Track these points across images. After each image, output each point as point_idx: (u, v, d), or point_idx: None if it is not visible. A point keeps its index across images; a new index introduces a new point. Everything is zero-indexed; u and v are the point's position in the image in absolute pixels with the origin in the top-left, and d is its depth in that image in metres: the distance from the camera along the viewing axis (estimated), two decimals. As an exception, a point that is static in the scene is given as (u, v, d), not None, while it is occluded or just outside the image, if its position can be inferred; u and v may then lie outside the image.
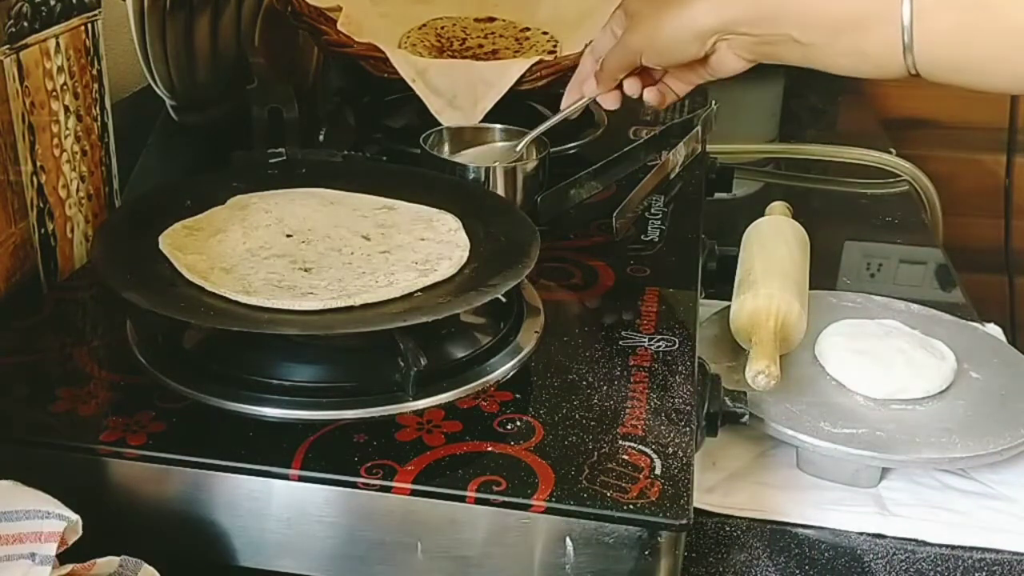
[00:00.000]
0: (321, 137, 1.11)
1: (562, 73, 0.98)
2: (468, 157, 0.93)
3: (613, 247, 0.87)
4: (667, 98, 0.84)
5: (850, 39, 0.67)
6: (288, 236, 0.74)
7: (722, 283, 0.90)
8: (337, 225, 0.76)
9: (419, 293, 0.67)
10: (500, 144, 0.94)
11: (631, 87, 0.83)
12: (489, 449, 0.60)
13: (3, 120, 0.71)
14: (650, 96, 0.83)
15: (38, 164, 0.75)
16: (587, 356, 0.70)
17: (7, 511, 0.53)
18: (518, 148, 0.91)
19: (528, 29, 1.20)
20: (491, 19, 1.23)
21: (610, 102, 0.84)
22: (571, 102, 0.88)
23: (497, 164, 0.91)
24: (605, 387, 0.67)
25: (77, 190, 0.81)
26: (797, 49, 0.70)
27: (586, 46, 0.89)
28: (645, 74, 0.82)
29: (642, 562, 0.57)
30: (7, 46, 0.71)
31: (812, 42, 0.69)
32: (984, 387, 0.81)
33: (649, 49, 0.77)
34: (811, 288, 0.88)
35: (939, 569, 0.68)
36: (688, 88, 0.83)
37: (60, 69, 0.77)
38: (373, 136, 1.09)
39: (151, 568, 0.54)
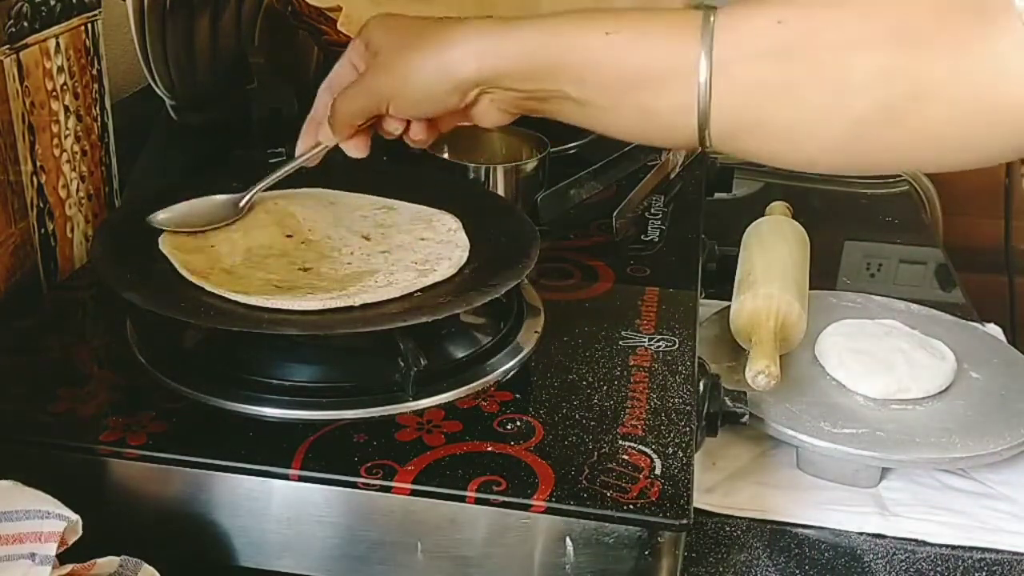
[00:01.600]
0: (321, 137, 1.11)
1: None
2: (174, 213, 0.73)
3: (613, 247, 0.87)
4: (429, 137, 0.68)
5: (634, 99, 0.57)
6: (288, 236, 0.74)
7: (722, 283, 0.90)
8: (337, 225, 0.76)
9: (419, 293, 0.67)
10: (218, 199, 0.75)
11: (364, 141, 0.68)
12: (489, 449, 0.60)
13: (3, 120, 0.71)
14: (415, 134, 0.67)
15: (38, 164, 0.75)
16: (587, 356, 0.70)
17: (7, 511, 0.53)
18: (241, 204, 0.74)
19: (528, 29, 1.19)
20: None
21: (355, 149, 0.68)
22: (306, 148, 0.71)
23: (497, 164, 0.91)
24: (605, 387, 0.67)
25: (77, 190, 0.81)
26: (572, 108, 0.60)
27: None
28: (391, 118, 0.66)
29: (642, 562, 0.57)
30: (7, 46, 0.71)
31: (590, 101, 0.58)
32: (984, 387, 0.81)
33: (399, 98, 0.63)
34: (811, 288, 0.88)
35: (939, 569, 0.68)
36: (442, 131, 0.68)
37: (60, 69, 0.77)
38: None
39: (151, 568, 0.54)
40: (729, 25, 0.55)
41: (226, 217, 0.73)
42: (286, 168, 0.73)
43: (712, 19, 0.55)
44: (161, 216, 0.72)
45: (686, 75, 0.55)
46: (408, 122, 0.66)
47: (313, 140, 0.70)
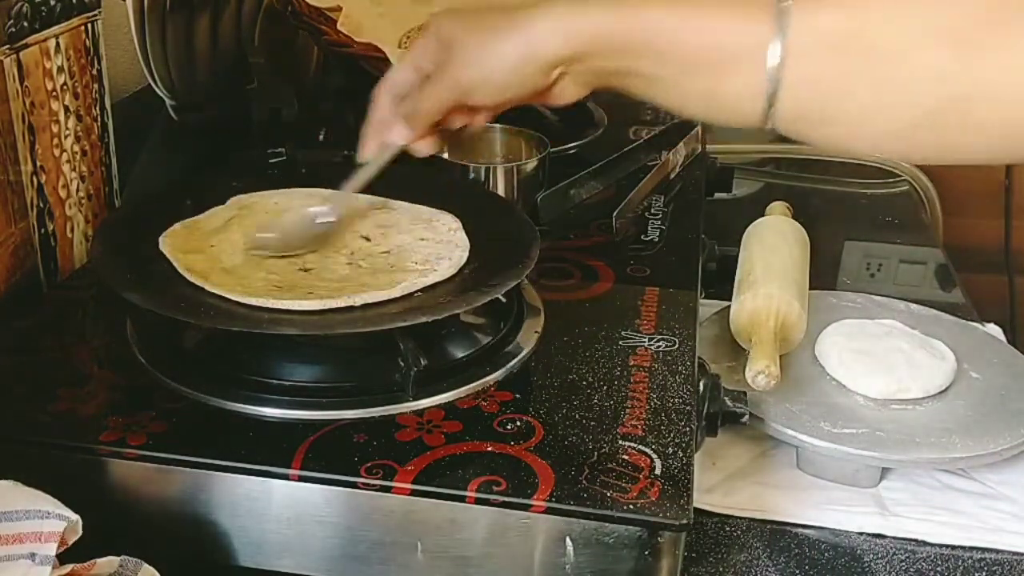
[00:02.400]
0: (321, 137, 1.11)
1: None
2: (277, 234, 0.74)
3: (613, 247, 0.87)
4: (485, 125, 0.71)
5: (705, 79, 0.59)
6: (288, 236, 0.74)
7: (722, 283, 0.90)
8: (337, 225, 0.76)
9: (419, 293, 0.67)
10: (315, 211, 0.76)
11: (435, 138, 0.69)
12: (489, 449, 0.60)
13: (3, 120, 0.71)
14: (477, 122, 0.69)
15: (38, 164, 0.75)
16: (587, 356, 0.70)
17: (7, 511, 0.53)
18: (332, 217, 0.75)
19: (528, 29, 1.19)
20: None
21: (427, 147, 0.69)
22: (373, 151, 0.71)
23: (497, 164, 0.91)
24: (605, 387, 0.67)
25: (77, 190, 0.81)
26: (646, 83, 0.61)
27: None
28: (459, 112, 0.68)
29: (642, 562, 0.57)
30: (7, 46, 0.71)
31: (663, 77, 0.60)
32: (984, 387, 0.81)
33: (485, 84, 0.64)
34: (811, 288, 0.88)
35: (939, 569, 0.68)
36: (497, 114, 0.69)
37: (60, 69, 0.77)
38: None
39: (151, 568, 0.54)
40: (801, 15, 0.56)
41: (320, 231, 0.74)
42: (362, 175, 0.72)
43: (786, 7, 0.56)
44: (261, 237, 0.73)
45: (757, 60, 0.56)
46: (473, 114, 0.68)
47: (378, 143, 0.70)
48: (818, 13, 0.56)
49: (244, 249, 0.72)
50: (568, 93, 0.64)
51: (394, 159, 0.71)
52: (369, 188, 0.81)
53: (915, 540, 0.70)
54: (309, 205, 0.76)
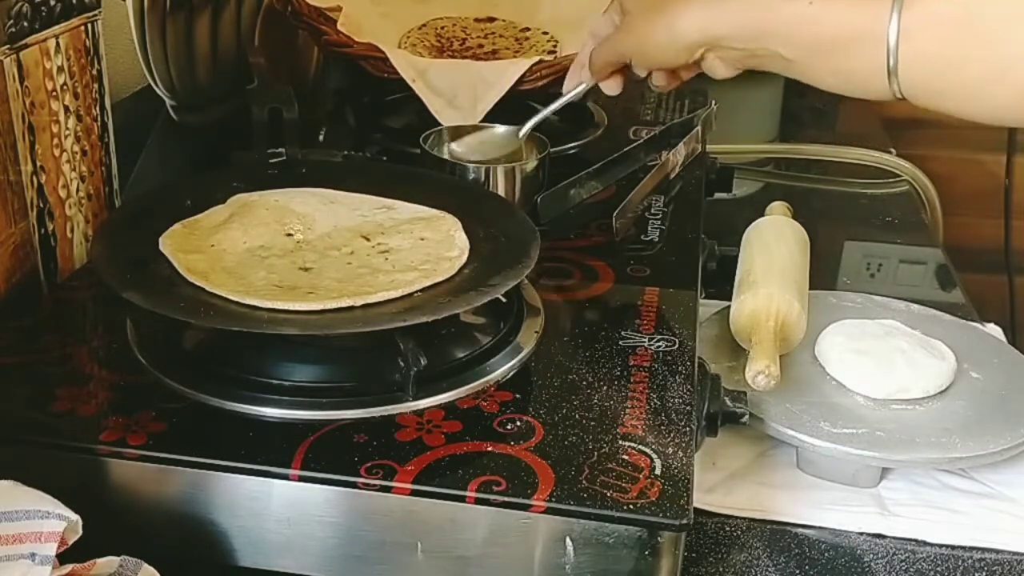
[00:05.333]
0: (321, 137, 1.11)
1: (562, 73, 0.98)
2: (468, 146, 0.93)
3: (613, 247, 0.87)
4: (669, 84, 0.82)
5: (835, 59, 0.67)
6: (288, 236, 0.74)
7: (722, 283, 0.90)
8: (337, 225, 0.76)
9: (419, 293, 0.67)
10: (500, 131, 0.94)
11: (618, 81, 0.84)
12: (489, 449, 0.60)
13: (3, 120, 0.71)
14: (656, 80, 0.82)
15: (38, 164, 0.75)
16: (587, 356, 0.70)
17: (7, 511, 0.53)
18: (520, 134, 0.91)
19: (528, 29, 1.20)
20: (491, 19, 1.23)
21: (611, 88, 0.84)
22: (572, 86, 0.88)
23: (497, 164, 0.91)
24: (605, 387, 0.67)
25: (77, 190, 0.81)
26: (783, 64, 0.70)
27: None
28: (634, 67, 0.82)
29: (642, 562, 0.57)
30: (7, 46, 0.71)
31: (798, 59, 0.69)
32: (984, 387, 0.81)
33: (637, 54, 0.78)
34: (811, 288, 0.88)
35: (939, 569, 0.68)
36: (681, 80, 0.82)
37: (60, 69, 0.77)
38: (373, 136, 1.09)
39: (151, 568, 0.54)
40: None
41: (511, 148, 0.91)
42: (558, 102, 0.89)
43: None
44: (457, 148, 0.91)
45: (878, 39, 0.64)
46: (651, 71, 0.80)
47: (577, 79, 0.87)
48: None
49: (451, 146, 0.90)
50: (718, 70, 0.75)
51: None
52: (369, 188, 0.82)
53: (915, 540, 0.70)
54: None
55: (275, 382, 0.64)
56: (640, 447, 0.61)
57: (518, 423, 0.63)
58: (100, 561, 0.53)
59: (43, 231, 0.77)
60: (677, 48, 0.74)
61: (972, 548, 0.70)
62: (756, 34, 0.70)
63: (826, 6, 0.66)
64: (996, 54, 0.61)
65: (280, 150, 0.90)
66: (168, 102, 1.08)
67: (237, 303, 0.65)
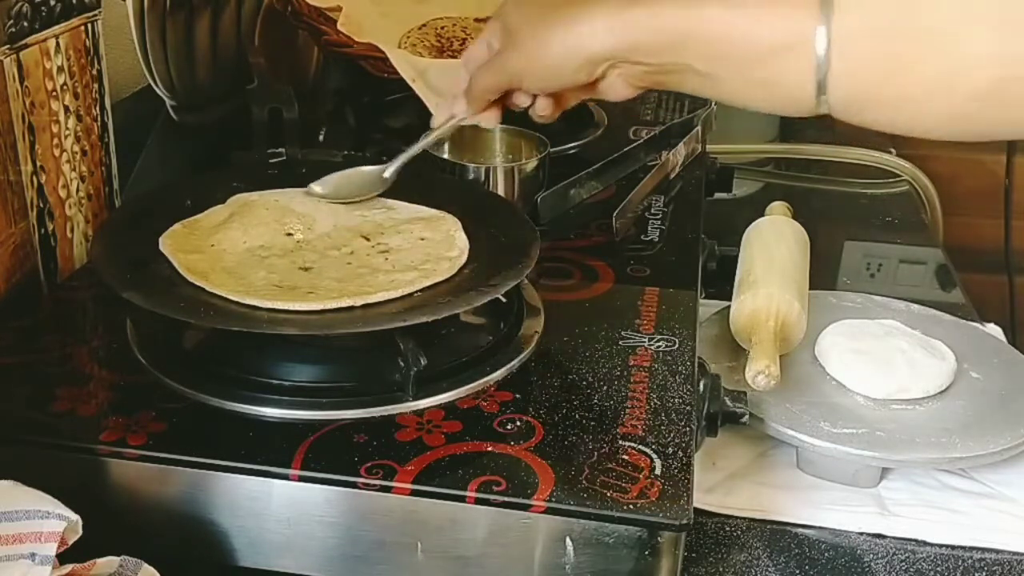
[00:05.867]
0: (321, 137, 1.11)
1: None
2: (330, 186, 0.79)
3: (613, 247, 0.87)
4: (554, 113, 0.73)
5: (756, 72, 0.60)
6: (288, 235, 0.74)
7: (722, 283, 0.90)
8: (337, 225, 0.76)
9: (419, 293, 0.67)
10: (367, 171, 0.79)
11: (496, 113, 0.73)
12: (489, 449, 0.60)
13: (3, 120, 0.71)
14: (540, 109, 0.72)
15: (38, 164, 0.75)
16: (587, 356, 0.70)
17: (7, 511, 0.53)
18: (386, 175, 0.79)
19: (528, 29, 1.19)
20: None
21: (489, 120, 0.73)
22: (443, 119, 0.75)
23: (497, 164, 0.91)
24: (605, 387, 0.67)
25: (77, 190, 0.81)
26: (697, 79, 0.62)
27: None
28: (521, 92, 0.71)
29: (642, 562, 0.57)
30: (7, 46, 0.71)
31: (715, 73, 0.61)
32: (984, 387, 0.81)
33: (531, 74, 0.67)
34: (811, 288, 0.88)
35: (939, 569, 0.68)
36: (566, 106, 0.73)
37: (60, 69, 0.77)
38: (373, 136, 1.09)
39: (151, 568, 0.54)
40: (848, 1, 0.56)
41: (374, 189, 0.79)
42: (425, 140, 0.77)
43: None
44: (318, 188, 0.78)
45: (805, 49, 0.57)
46: (535, 97, 0.70)
47: (448, 113, 0.75)
48: (863, 0, 0.57)
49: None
50: (617, 90, 0.66)
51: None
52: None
53: (915, 540, 0.70)
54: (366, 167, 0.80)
55: (275, 382, 0.64)
56: (640, 447, 0.61)
57: (518, 423, 0.63)
58: (100, 561, 0.53)
59: (43, 231, 0.77)
60: (577, 64, 0.64)
61: (972, 548, 0.70)
62: (667, 46, 0.61)
63: (748, 13, 0.59)
64: (937, 61, 0.55)
65: (280, 150, 0.90)
66: (168, 102, 1.08)
67: (237, 303, 0.65)
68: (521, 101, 0.71)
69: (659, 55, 0.62)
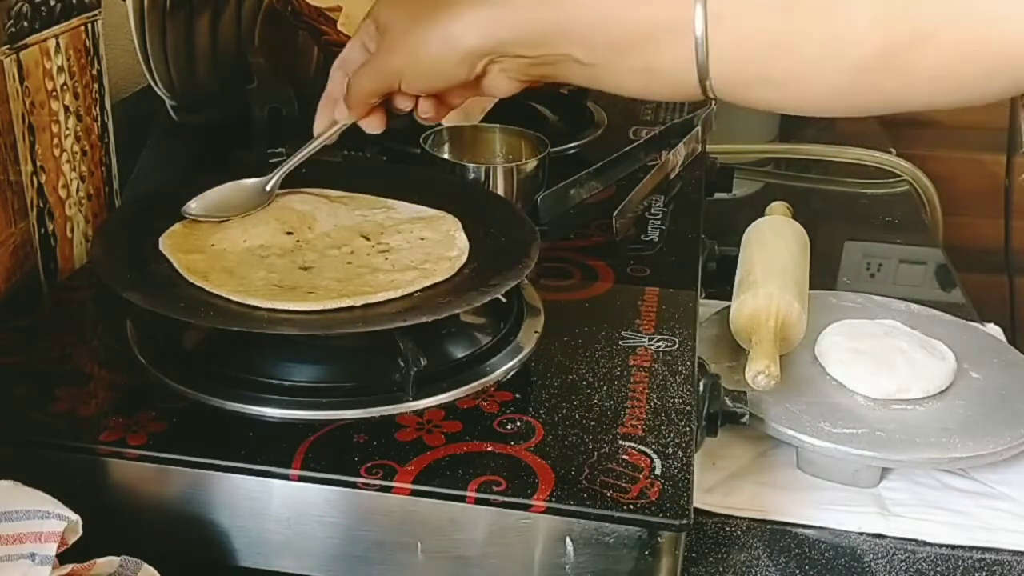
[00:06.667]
0: (321, 137, 1.11)
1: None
2: (209, 202, 0.75)
3: (613, 247, 0.87)
4: (439, 114, 0.70)
5: (638, 57, 0.58)
6: (288, 235, 0.74)
7: (722, 283, 0.90)
8: (337, 225, 0.76)
9: (419, 293, 0.67)
10: (248, 184, 0.76)
11: (380, 117, 0.70)
12: (489, 449, 0.60)
13: (3, 120, 0.71)
14: (424, 111, 0.69)
15: (38, 164, 0.75)
16: (587, 356, 0.70)
17: (7, 511, 0.53)
18: (268, 187, 0.76)
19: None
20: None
21: (373, 125, 0.71)
22: (325, 126, 0.73)
23: (497, 164, 0.91)
24: (605, 387, 0.67)
25: (77, 190, 0.81)
26: (579, 69, 0.61)
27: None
28: (402, 94, 0.68)
29: (642, 562, 0.57)
30: (7, 46, 0.71)
31: (596, 62, 0.60)
32: (984, 387, 0.81)
33: (409, 74, 0.65)
34: (811, 288, 0.88)
35: (939, 569, 0.68)
36: (452, 106, 0.70)
37: (60, 69, 0.77)
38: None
39: (151, 568, 0.54)
40: None
41: (256, 203, 0.75)
42: (308, 148, 0.74)
43: None
44: (193, 205, 0.74)
45: (683, 31, 0.55)
46: (418, 99, 0.68)
47: (329, 119, 0.72)
48: None
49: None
50: (500, 86, 0.64)
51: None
52: (369, 188, 0.81)
53: (915, 540, 0.70)
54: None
55: (275, 382, 0.64)
56: (640, 447, 0.61)
57: (518, 423, 0.63)
58: (100, 561, 0.53)
59: (43, 231, 0.77)
60: (455, 60, 0.62)
61: (972, 548, 0.70)
62: (546, 36, 0.60)
63: None
64: (821, 30, 0.54)
65: (280, 150, 0.90)
66: (168, 102, 1.08)
67: (237, 303, 0.65)
68: (403, 104, 0.69)
69: (536, 47, 0.61)
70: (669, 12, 0.56)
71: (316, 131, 0.73)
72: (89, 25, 0.80)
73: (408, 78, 0.65)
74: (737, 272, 0.89)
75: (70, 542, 0.53)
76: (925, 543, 0.70)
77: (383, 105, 0.69)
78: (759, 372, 0.73)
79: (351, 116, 0.70)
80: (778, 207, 1.00)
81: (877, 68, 0.54)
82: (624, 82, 0.61)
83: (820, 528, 0.71)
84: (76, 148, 0.80)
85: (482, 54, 0.62)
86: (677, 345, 0.72)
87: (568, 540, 0.57)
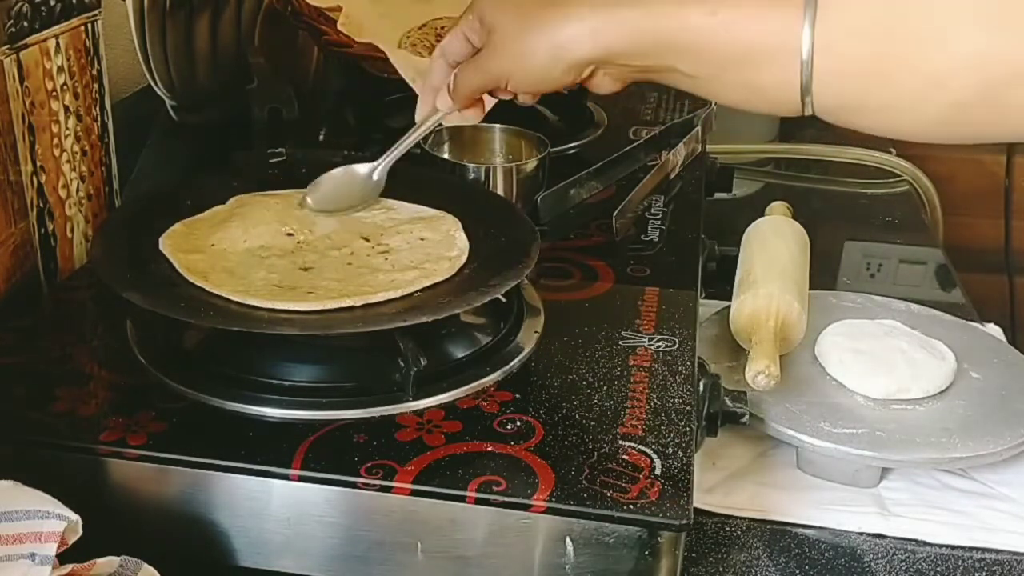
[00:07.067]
0: (321, 137, 1.11)
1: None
2: (322, 195, 0.78)
3: (613, 247, 0.87)
4: (535, 98, 0.72)
5: (741, 75, 0.60)
6: (288, 235, 0.74)
7: (722, 283, 0.90)
8: (337, 225, 0.76)
9: (419, 293, 0.67)
10: (360, 172, 0.78)
11: (480, 109, 0.73)
12: (489, 449, 0.60)
13: (3, 120, 0.71)
14: (524, 99, 0.71)
15: (38, 164, 0.75)
16: (587, 356, 0.70)
17: (7, 511, 0.53)
18: (375, 176, 0.78)
19: (528, 29, 1.19)
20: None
21: (472, 117, 0.73)
22: (427, 114, 0.75)
23: (497, 164, 0.91)
24: (605, 387, 0.67)
25: (77, 190, 0.81)
26: (683, 80, 0.62)
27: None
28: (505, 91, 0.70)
29: (642, 562, 0.57)
30: (7, 46, 0.71)
31: (699, 75, 0.61)
32: (984, 387, 0.81)
33: (516, 78, 0.66)
34: (811, 288, 0.88)
35: (939, 569, 0.68)
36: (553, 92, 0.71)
37: (60, 69, 0.77)
38: (373, 136, 1.09)
39: (151, 568, 0.54)
40: (829, 4, 0.56)
41: (368, 194, 0.78)
42: (411, 136, 0.76)
43: None
44: (310, 200, 0.77)
45: (788, 52, 0.57)
46: (516, 93, 0.70)
47: (431, 107, 0.74)
48: (847, 1, 0.56)
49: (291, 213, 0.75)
50: (605, 86, 0.66)
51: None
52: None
53: (915, 540, 0.70)
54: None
55: (275, 382, 0.64)
56: (640, 447, 0.61)
57: (518, 423, 0.63)
58: (100, 561, 0.53)
59: (43, 231, 0.77)
60: (562, 68, 0.64)
61: (972, 548, 0.70)
62: (652, 48, 0.61)
63: (731, 16, 0.59)
64: (925, 63, 0.55)
65: (280, 150, 0.90)
66: (168, 102, 1.08)
67: (237, 303, 0.65)
68: (504, 96, 0.71)
69: (643, 58, 0.62)
70: (776, 31, 0.57)
71: (418, 118, 0.76)
72: (89, 25, 0.80)
73: (515, 81, 0.67)
74: (737, 272, 0.89)
75: (70, 542, 0.53)
76: (925, 543, 0.70)
77: (482, 97, 0.72)
78: (759, 372, 0.73)
79: (453, 107, 0.72)
80: (778, 207, 1.00)
81: (974, 103, 0.55)
82: (727, 95, 0.63)
83: (820, 528, 0.71)
84: (76, 148, 0.80)
85: (587, 64, 0.64)
86: (677, 345, 0.72)
87: (568, 540, 0.57)
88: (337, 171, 0.78)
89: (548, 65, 0.64)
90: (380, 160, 0.77)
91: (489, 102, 0.73)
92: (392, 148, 0.77)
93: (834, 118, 0.60)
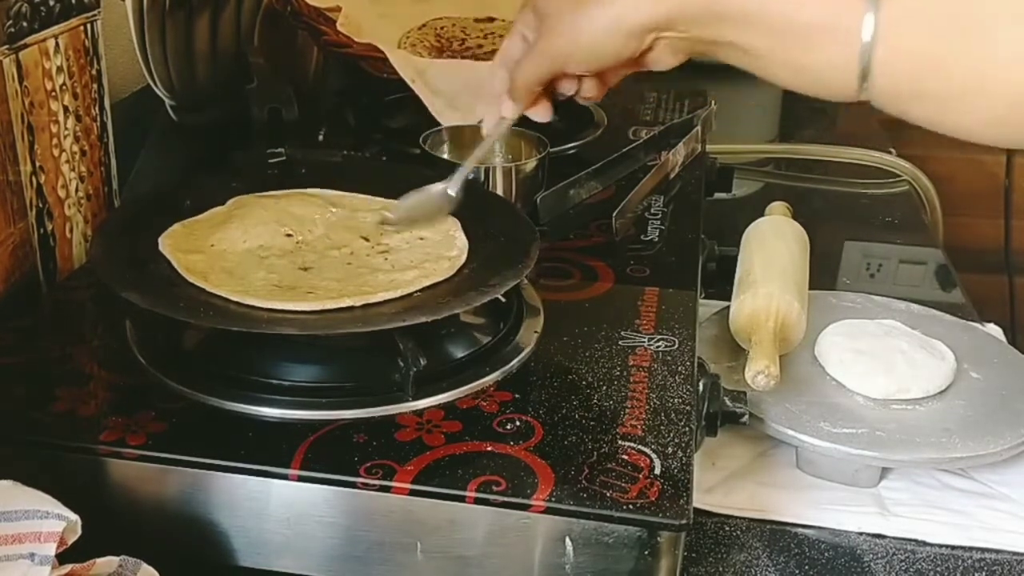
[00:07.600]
0: (321, 137, 1.11)
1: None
2: (405, 212, 0.76)
3: (613, 247, 0.87)
4: (600, 93, 0.71)
5: (798, 53, 0.59)
6: (288, 236, 0.74)
7: (722, 283, 0.90)
8: (337, 225, 0.76)
9: (419, 293, 0.67)
10: (435, 191, 0.75)
11: (547, 106, 0.71)
12: (489, 449, 0.60)
13: (3, 120, 0.71)
14: (587, 91, 0.70)
15: (37, 164, 0.75)
16: (587, 356, 0.70)
17: (7, 511, 0.53)
18: (452, 192, 0.75)
19: (528, 29, 1.19)
20: (491, 19, 1.23)
21: (541, 114, 0.71)
22: (493, 123, 0.73)
23: (497, 164, 0.91)
24: (605, 387, 0.67)
25: (76, 190, 0.81)
26: (738, 55, 0.61)
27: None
28: (567, 77, 0.69)
29: (642, 562, 0.57)
30: (7, 46, 0.71)
31: (755, 50, 0.60)
32: (984, 387, 0.81)
33: (575, 54, 0.65)
34: (811, 288, 0.88)
35: (939, 569, 0.68)
36: (611, 84, 0.71)
37: (59, 69, 0.77)
38: (373, 136, 1.09)
39: (151, 568, 0.54)
40: None
41: (447, 210, 0.75)
42: (483, 147, 0.74)
43: None
44: (393, 218, 0.75)
45: (850, 33, 0.56)
46: (580, 81, 0.68)
47: (496, 116, 0.72)
48: None
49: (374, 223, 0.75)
50: (664, 60, 0.64)
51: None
52: (369, 188, 0.81)
53: (915, 540, 0.70)
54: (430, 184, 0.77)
55: (275, 382, 0.64)
56: (640, 447, 0.61)
57: (518, 423, 0.63)
58: (100, 561, 0.53)
59: (42, 231, 0.77)
60: (622, 36, 0.62)
61: (972, 548, 0.70)
62: (712, 16, 0.60)
63: None
64: (988, 55, 0.54)
65: (280, 150, 0.90)
66: (168, 102, 1.08)
67: (237, 303, 0.65)
68: (567, 87, 0.69)
69: (701, 28, 0.61)
70: (838, 13, 0.56)
71: (485, 131, 0.74)
72: (88, 25, 0.80)
73: (575, 59, 0.65)
74: (737, 272, 0.89)
75: (69, 542, 0.53)
76: (925, 543, 0.70)
77: (546, 92, 0.70)
78: (759, 372, 0.73)
79: (517, 108, 0.70)
80: (778, 207, 1.00)
81: None
82: (778, 74, 0.61)
83: (820, 528, 0.71)
84: (75, 148, 0.80)
85: (647, 31, 0.62)
86: (677, 345, 0.72)
87: (568, 540, 0.57)
88: (415, 192, 0.75)
89: (606, 36, 0.63)
90: (453, 177, 0.75)
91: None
92: (463, 165, 0.75)
93: (889, 107, 0.58)
